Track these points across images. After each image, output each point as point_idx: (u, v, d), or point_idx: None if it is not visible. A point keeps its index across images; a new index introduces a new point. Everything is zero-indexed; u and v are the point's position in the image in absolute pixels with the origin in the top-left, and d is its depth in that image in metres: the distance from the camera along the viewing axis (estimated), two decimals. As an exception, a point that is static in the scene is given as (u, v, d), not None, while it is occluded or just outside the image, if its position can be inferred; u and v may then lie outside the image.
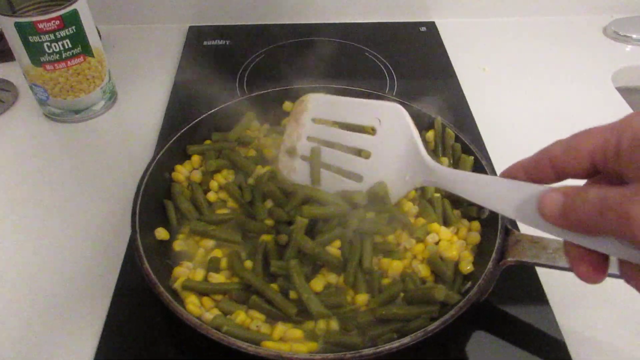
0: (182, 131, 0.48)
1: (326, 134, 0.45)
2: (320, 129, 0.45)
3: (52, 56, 0.52)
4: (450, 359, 0.38)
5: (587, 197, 0.23)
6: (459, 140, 0.48)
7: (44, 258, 0.45)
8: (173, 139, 0.47)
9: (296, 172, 0.46)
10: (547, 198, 0.25)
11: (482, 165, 0.45)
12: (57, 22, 0.50)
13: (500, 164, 0.45)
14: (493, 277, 0.37)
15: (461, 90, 0.62)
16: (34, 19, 0.49)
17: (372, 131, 0.43)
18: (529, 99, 0.63)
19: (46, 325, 0.40)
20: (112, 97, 0.60)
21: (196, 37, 0.72)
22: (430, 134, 0.49)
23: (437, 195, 0.44)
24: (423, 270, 0.39)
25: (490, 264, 0.36)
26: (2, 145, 0.56)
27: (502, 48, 0.71)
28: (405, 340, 0.33)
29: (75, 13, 0.51)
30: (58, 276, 0.43)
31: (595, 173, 0.25)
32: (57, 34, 0.50)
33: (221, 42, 0.71)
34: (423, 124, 0.49)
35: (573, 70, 0.67)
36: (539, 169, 0.27)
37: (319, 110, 0.45)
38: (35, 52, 0.51)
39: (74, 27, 0.51)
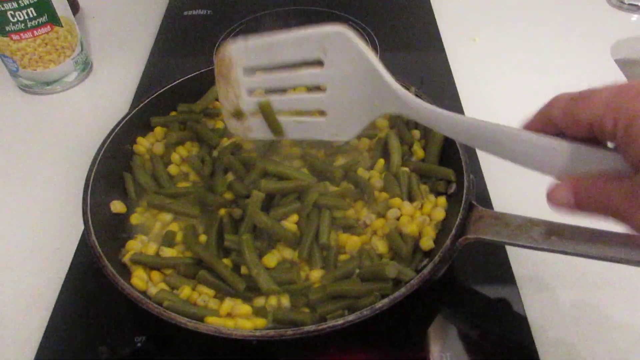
0: (146, 102, 0.47)
1: (267, 81, 0.38)
2: (258, 78, 0.38)
3: (16, 25, 0.51)
4: (411, 335, 0.37)
5: (593, 196, 0.25)
6: (434, 111, 0.45)
7: (3, 227, 0.44)
8: (135, 110, 0.46)
9: (253, 131, 0.40)
10: (556, 193, 0.27)
11: (451, 139, 0.42)
12: (19, -12, 0.48)
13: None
14: (451, 254, 0.35)
15: (447, 62, 0.59)
16: (-6, -15, 0.48)
17: (319, 65, 0.36)
18: (519, 72, 0.59)
19: None
20: (85, 68, 0.59)
21: (177, 7, 0.70)
22: (403, 106, 0.47)
23: (405, 169, 0.42)
24: (381, 247, 0.38)
25: (448, 241, 0.35)
26: (-26, 117, 0.55)
27: (496, 17, 0.67)
28: (350, 317, 0.31)
29: (38, -21, 0.49)
30: (16, 246, 0.43)
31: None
32: (19, 1, 0.49)
33: (202, 12, 0.69)
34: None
35: (570, 42, 0.64)
36: (538, 126, 0.29)
37: (248, 59, 0.38)
38: (-1, 21, 0.50)
39: (37, -5, 0.50)
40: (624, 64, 0.61)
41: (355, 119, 0.37)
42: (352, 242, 0.38)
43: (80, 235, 0.43)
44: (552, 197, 0.27)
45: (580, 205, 0.26)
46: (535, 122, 0.29)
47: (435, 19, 0.66)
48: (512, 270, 0.40)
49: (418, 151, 0.44)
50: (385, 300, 0.32)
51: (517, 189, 0.44)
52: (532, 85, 0.57)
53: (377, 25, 0.65)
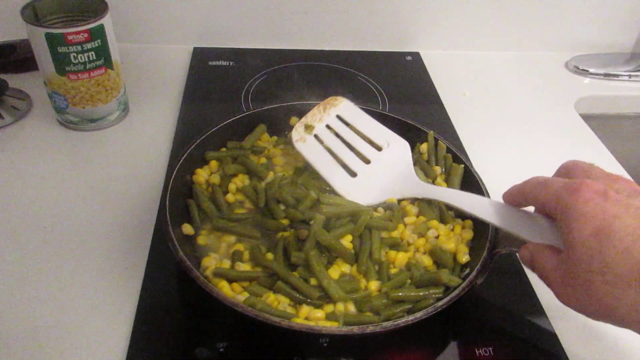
0: (202, 138, 0.52)
1: (342, 131, 0.53)
2: (339, 126, 0.54)
3: (77, 66, 0.55)
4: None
5: (538, 262, 0.36)
6: (450, 152, 0.54)
7: (63, 265, 0.47)
8: (194, 145, 0.51)
9: (304, 144, 0.53)
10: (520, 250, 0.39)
11: (470, 171, 0.51)
12: (86, 34, 0.54)
13: (483, 172, 0.51)
14: (488, 263, 0.42)
15: (445, 111, 0.69)
16: (65, 30, 0.53)
17: (378, 148, 0.52)
18: (504, 120, 0.70)
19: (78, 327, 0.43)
20: (125, 108, 0.64)
21: (202, 58, 0.76)
22: (424, 146, 0.55)
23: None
24: (426, 261, 0.45)
25: (485, 252, 0.42)
26: (19, 151, 0.58)
27: (479, 77, 0.79)
28: (420, 314, 0.37)
29: (101, 27, 0.55)
30: (82, 283, 0.45)
31: None
32: (84, 45, 0.54)
33: (225, 63, 0.76)
34: (418, 137, 0.55)
35: (541, 98, 0.76)
36: (515, 195, 0.40)
37: (345, 113, 0.54)
38: (61, 62, 0.55)
39: (99, 41, 0.55)
40: (585, 118, 0.74)
41: (375, 193, 0.50)
42: (400, 257, 0.45)
43: (147, 256, 0.47)
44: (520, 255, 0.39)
45: (529, 265, 0.38)
46: (513, 193, 0.39)
47: (430, 77, 0.77)
48: (530, 283, 0.48)
49: (441, 184, 0.52)
50: (446, 299, 0.38)
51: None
52: (513, 130, 0.68)
53: (383, 81, 0.74)
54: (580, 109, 0.76)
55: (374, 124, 0.54)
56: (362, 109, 0.56)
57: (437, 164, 0.54)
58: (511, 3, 0.80)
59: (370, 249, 0.45)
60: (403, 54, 0.81)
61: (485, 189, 0.49)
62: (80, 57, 0.55)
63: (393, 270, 0.45)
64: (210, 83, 0.72)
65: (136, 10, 0.75)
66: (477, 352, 0.42)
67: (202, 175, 0.51)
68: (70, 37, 0.53)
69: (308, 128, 0.54)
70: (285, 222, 0.47)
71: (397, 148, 0.53)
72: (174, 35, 0.78)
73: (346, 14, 0.78)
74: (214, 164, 0.52)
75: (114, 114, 0.62)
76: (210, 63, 0.76)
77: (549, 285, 0.35)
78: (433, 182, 0.53)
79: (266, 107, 0.58)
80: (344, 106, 0.55)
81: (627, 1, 0.82)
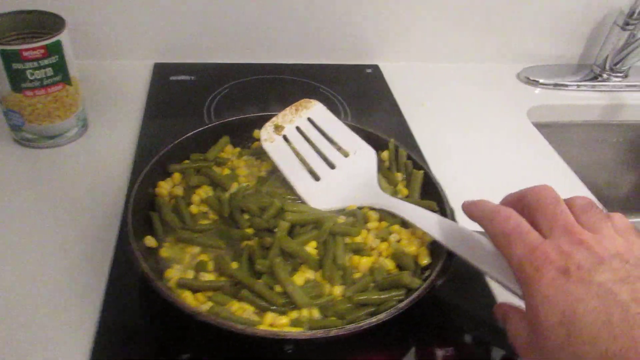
0: (165, 150, 0.52)
1: (311, 134, 0.55)
2: (309, 129, 0.55)
3: (33, 83, 0.55)
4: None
5: (510, 324, 0.36)
6: (410, 158, 0.56)
7: (23, 282, 0.46)
8: (157, 157, 0.51)
9: (272, 144, 0.54)
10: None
11: (429, 177, 0.53)
12: (42, 50, 0.53)
13: (442, 177, 0.53)
14: (448, 265, 0.43)
15: (405, 121, 0.72)
16: (20, 47, 0.52)
17: (346, 155, 0.53)
18: (461, 129, 0.73)
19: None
20: (84, 125, 0.63)
21: (162, 72, 0.76)
22: (385, 154, 0.57)
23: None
24: (389, 264, 0.46)
25: (445, 254, 0.43)
26: (-28, 170, 0.56)
27: (437, 88, 0.82)
28: (382, 315, 0.38)
29: (58, 43, 0.55)
30: (41, 299, 0.44)
31: None
32: (40, 62, 0.54)
33: (186, 78, 0.76)
34: (379, 145, 0.57)
35: (496, 107, 0.79)
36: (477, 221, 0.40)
37: (317, 116, 0.56)
38: (16, 79, 0.54)
39: (56, 56, 0.55)
40: (538, 126, 0.77)
41: (336, 199, 0.51)
42: (363, 262, 0.46)
43: (108, 271, 0.46)
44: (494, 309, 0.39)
45: (502, 323, 0.38)
46: (476, 216, 0.39)
47: (389, 88, 0.79)
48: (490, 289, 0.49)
49: (402, 190, 0.54)
50: (407, 301, 0.39)
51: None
52: (470, 138, 0.71)
53: (344, 93, 0.76)
54: (532, 118, 0.79)
55: (344, 130, 0.56)
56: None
57: (398, 171, 0.56)
58: (466, 16, 0.84)
59: (334, 255, 0.45)
60: (363, 67, 0.83)
61: (444, 193, 0.50)
62: (37, 74, 0.54)
63: (357, 275, 0.45)
64: (171, 98, 0.72)
65: (96, 26, 0.75)
66: (438, 352, 0.43)
67: (164, 187, 0.51)
68: (25, 54, 0.53)
69: (278, 128, 0.55)
70: (250, 231, 0.48)
71: (363, 156, 0.54)
72: (135, 51, 0.78)
73: (306, 29, 0.80)
74: (177, 176, 0.52)
75: (73, 130, 0.61)
76: (171, 78, 0.76)
77: (516, 351, 0.35)
78: (395, 188, 0.54)
79: (229, 119, 0.58)
80: (316, 109, 0.57)
81: (573, 15, 0.87)
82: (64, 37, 0.55)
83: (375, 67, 0.84)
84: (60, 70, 0.56)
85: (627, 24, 0.81)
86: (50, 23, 0.56)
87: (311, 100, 0.57)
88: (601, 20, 0.88)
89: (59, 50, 0.55)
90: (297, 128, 0.56)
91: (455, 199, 0.44)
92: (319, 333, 0.37)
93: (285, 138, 0.55)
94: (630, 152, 0.90)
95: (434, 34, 0.85)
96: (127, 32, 0.76)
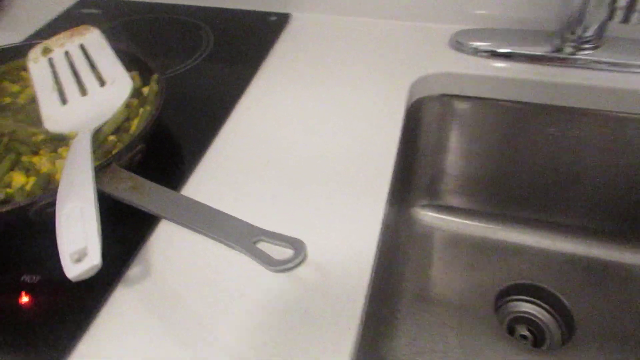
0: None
1: (76, 60, 0.55)
2: (77, 55, 0.55)
3: None
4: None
5: None
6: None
7: None
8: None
9: (36, 64, 0.55)
10: None
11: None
12: None
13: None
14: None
15: (253, 74, 0.64)
16: None
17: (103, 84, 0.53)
18: (316, 94, 0.63)
19: None
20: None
21: (80, 6, 0.82)
22: (146, 89, 0.54)
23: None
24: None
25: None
26: None
27: (335, 45, 0.71)
28: None
29: None
30: None
31: None
32: None
33: (95, 11, 0.80)
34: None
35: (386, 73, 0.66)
36: None
37: (90, 44, 0.55)
38: None
39: None
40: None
41: (70, 124, 0.50)
42: (18, 180, 0.45)
43: None
44: None
45: None
46: None
47: (278, 39, 0.72)
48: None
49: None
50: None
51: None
52: (315, 106, 0.61)
53: (224, 36, 0.72)
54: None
55: (111, 60, 0.54)
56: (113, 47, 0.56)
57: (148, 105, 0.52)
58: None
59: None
60: (270, 14, 0.77)
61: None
62: None
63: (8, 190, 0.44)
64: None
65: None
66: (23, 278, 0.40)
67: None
68: None
69: (46, 51, 0.56)
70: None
71: (117, 87, 0.52)
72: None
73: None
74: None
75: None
76: (82, 10, 0.80)
77: None
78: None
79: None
80: (91, 37, 0.56)
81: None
82: None
83: (285, 16, 0.76)
84: None
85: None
86: None
87: (89, 27, 0.57)
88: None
89: None
90: (66, 53, 0.55)
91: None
92: None
93: (50, 61, 0.55)
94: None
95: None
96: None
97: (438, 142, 0.74)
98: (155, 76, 0.53)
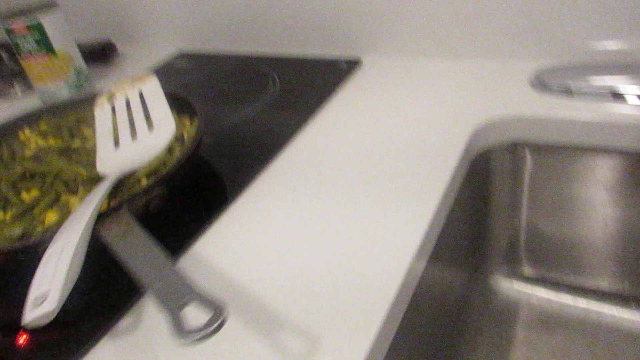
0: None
1: (134, 106, 0.58)
2: (135, 102, 0.58)
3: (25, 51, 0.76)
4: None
5: None
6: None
7: None
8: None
9: (100, 109, 0.59)
10: None
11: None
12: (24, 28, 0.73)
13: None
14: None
15: (306, 121, 0.62)
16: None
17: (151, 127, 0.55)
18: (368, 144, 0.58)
19: None
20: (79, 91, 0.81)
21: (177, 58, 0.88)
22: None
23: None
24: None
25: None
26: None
27: (405, 88, 0.66)
28: None
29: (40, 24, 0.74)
30: None
31: None
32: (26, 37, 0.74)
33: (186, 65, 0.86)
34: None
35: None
36: None
37: (147, 91, 0.59)
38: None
39: (38, 33, 0.74)
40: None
41: (119, 167, 0.51)
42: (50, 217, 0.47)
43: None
44: None
45: None
46: None
47: (344, 85, 0.69)
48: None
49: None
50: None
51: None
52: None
53: (290, 85, 0.71)
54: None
55: (162, 106, 0.56)
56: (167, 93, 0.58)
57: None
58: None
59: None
60: (337, 62, 0.75)
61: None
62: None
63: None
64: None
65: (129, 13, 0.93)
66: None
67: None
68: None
69: (111, 96, 0.60)
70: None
71: (161, 131, 0.54)
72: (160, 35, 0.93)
73: (302, 18, 0.78)
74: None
75: (63, 92, 0.80)
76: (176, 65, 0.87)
77: None
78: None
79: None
80: (150, 84, 0.59)
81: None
82: (46, 18, 0.74)
83: (355, 62, 0.73)
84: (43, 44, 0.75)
85: None
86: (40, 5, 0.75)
87: (150, 75, 0.59)
88: None
89: (39, 28, 0.74)
90: (127, 99, 0.59)
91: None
92: None
93: (112, 107, 0.59)
94: None
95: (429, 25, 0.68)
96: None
97: (519, 197, 0.63)
98: (194, 121, 0.53)
